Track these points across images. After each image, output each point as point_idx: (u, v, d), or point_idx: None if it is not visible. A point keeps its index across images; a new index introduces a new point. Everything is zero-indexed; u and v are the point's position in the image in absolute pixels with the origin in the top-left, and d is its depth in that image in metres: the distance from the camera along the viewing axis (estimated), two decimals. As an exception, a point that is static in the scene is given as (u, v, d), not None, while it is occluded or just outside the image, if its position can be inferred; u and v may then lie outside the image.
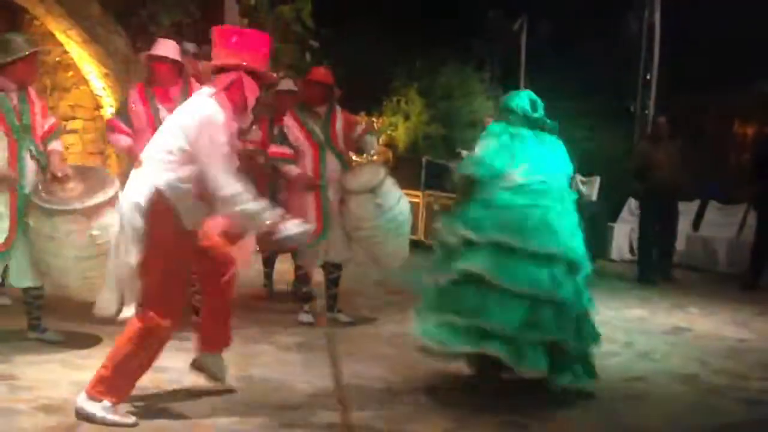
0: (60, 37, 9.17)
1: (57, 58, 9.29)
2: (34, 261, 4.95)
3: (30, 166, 4.99)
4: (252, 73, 3.90)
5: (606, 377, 4.97)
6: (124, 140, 5.67)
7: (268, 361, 5.02)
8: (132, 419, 3.84)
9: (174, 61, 5.65)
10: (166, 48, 5.69)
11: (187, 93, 5.68)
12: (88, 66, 9.34)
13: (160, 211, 3.81)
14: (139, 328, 3.86)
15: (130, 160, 5.73)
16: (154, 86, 5.68)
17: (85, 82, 9.60)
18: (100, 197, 4.78)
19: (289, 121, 6.06)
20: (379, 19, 10.65)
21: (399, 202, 6.02)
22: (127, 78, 9.06)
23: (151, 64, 5.67)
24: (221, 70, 3.91)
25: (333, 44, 10.50)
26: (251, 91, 3.90)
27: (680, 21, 10.49)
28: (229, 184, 3.78)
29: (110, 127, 5.86)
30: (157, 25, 9.02)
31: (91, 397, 3.83)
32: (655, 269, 8.89)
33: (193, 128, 3.81)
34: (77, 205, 4.76)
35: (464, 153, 5.46)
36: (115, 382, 3.84)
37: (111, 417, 3.79)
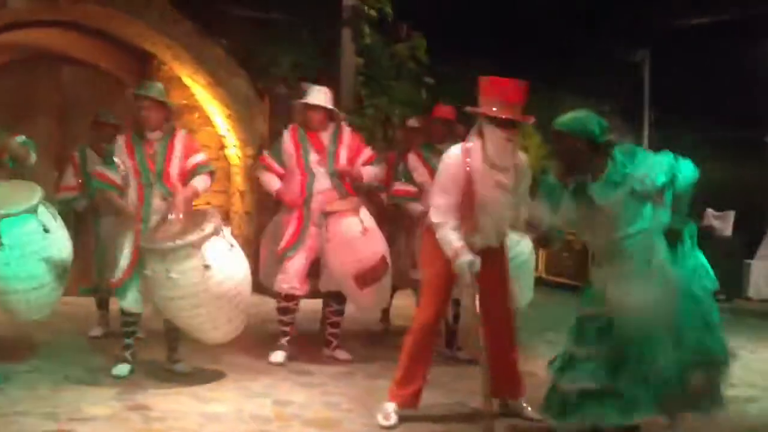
0: (186, 80, 9.54)
1: (183, 101, 9.65)
2: None
3: (159, 209, 5.21)
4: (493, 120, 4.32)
5: (746, 424, 4.74)
6: (275, 183, 5.87)
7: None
8: (392, 422, 4.40)
9: (326, 108, 5.81)
10: (320, 96, 5.86)
11: (337, 137, 5.88)
12: (213, 107, 9.67)
13: (428, 236, 4.54)
14: (413, 328, 4.52)
15: (278, 201, 5.95)
16: (307, 130, 5.84)
17: (210, 123, 9.93)
18: (177, 241, 4.86)
19: (412, 159, 6.08)
20: (494, 55, 10.63)
21: (519, 243, 5.92)
22: (249, 118, 9.35)
23: (306, 110, 5.84)
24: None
25: (448, 81, 10.53)
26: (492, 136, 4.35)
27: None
28: (436, 213, 4.38)
29: (263, 165, 6.01)
30: (277, 67, 9.27)
31: (389, 399, 4.50)
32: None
33: None
34: (157, 245, 4.90)
35: None
36: (400, 384, 4.49)
37: (382, 420, 4.42)
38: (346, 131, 5.96)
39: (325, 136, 5.85)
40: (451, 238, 4.31)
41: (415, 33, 10.25)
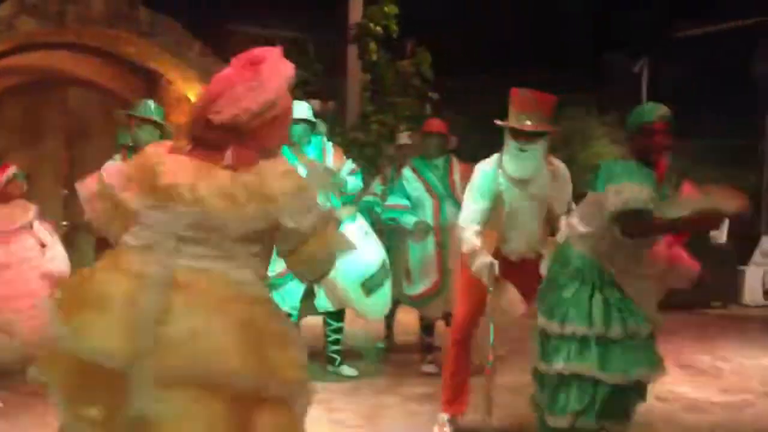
0: (194, 100, 9.67)
1: (192, 120, 9.77)
2: None
3: None
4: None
5: (741, 428, 4.82)
6: None
7: (396, 412, 5.08)
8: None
9: (306, 121, 5.87)
10: (299, 109, 5.94)
11: (320, 150, 5.90)
12: (220, 125, 9.79)
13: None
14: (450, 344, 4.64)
15: None
16: (291, 146, 5.90)
17: (217, 140, 10.04)
18: None
19: (407, 173, 6.20)
20: (499, 68, 10.75)
21: None
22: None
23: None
24: None
25: (453, 95, 10.65)
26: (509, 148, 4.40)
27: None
28: (463, 217, 4.46)
29: None
30: (285, 84, 9.37)
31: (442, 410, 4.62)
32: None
33: None
34: None
35: None
36: (444, 395, 4.62)
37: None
38: (328, 145, 5.96)
39: (309, 151, 5.85)
40: (473, 239, 4.34)
41: (419, 49, 10.39)
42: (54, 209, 6.05)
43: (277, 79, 2.39)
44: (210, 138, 2.35)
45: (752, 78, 10.76)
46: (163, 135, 5.45)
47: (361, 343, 6.92)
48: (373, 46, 9.95)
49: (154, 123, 5.42)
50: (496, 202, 4.42)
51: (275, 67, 2.41)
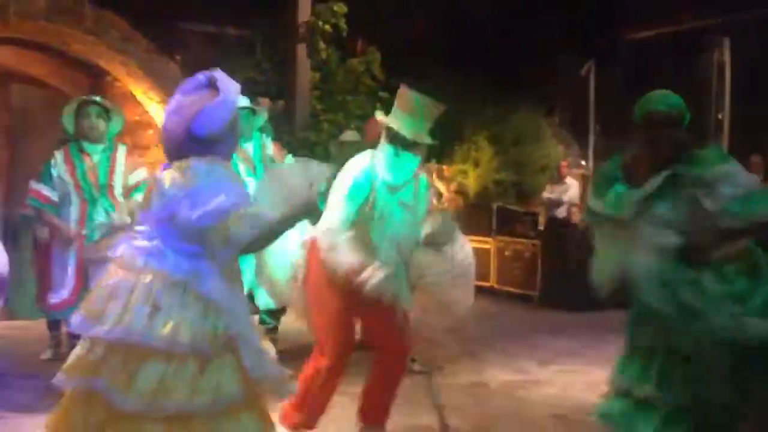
0: (140, 97, 9.51)
1: (137, 118, 9.62)
2: None
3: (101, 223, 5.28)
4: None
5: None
6: None
7: (341, 413, 5.00)
8: None
9: (248, 109, 5.81)
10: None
11: (260, 146, 5.90)
12: (167, 124, 9.65)
13: (317, 262, 3.93)
14: (315, 368, 4.04)
15: None
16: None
17: (164, 139, 9.89)
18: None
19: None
20: (448, 68, 10.77)
21: (462, 247, 6.01)
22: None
23: None
24: None
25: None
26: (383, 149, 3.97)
27: (750, 59, 10.38)
28: (329, 219, 3.84)
29: None
30: (232, 83, 9.27)
31: (284, 426, 4.03)
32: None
33: None
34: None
35: None
36: (297, 415, 4.07)
37: None
38: (267, 140, 5.99)
39: (248, 146, 5.86)
40: (351, 253, 3.78)
41: (369, 48, 10.35)
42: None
43: (235, 94, 2.82)
44: (187, 151, 2.73)
45: (697, 80, 10.95)
46: (111, 118, 5.49)
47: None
48: (322, 44, 9.89)
49: (100, 105, 5.43)
50: (366, 205, 3.94)
51: (229, 83, 2.82)
